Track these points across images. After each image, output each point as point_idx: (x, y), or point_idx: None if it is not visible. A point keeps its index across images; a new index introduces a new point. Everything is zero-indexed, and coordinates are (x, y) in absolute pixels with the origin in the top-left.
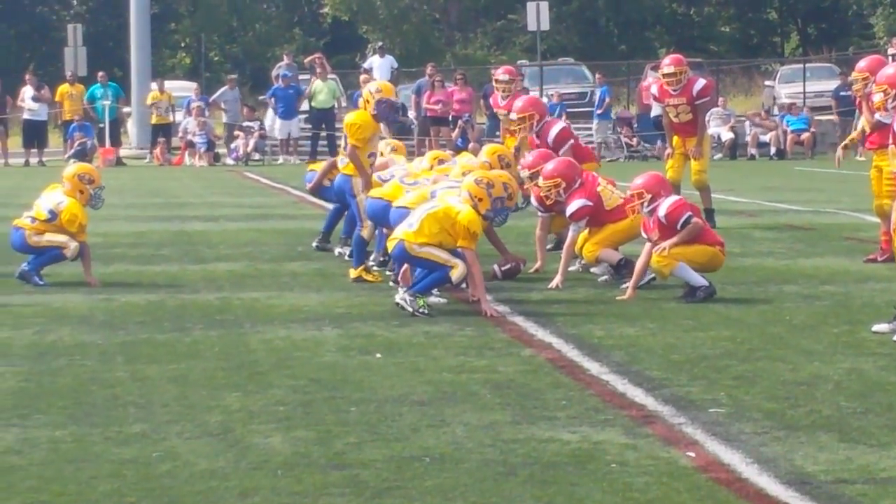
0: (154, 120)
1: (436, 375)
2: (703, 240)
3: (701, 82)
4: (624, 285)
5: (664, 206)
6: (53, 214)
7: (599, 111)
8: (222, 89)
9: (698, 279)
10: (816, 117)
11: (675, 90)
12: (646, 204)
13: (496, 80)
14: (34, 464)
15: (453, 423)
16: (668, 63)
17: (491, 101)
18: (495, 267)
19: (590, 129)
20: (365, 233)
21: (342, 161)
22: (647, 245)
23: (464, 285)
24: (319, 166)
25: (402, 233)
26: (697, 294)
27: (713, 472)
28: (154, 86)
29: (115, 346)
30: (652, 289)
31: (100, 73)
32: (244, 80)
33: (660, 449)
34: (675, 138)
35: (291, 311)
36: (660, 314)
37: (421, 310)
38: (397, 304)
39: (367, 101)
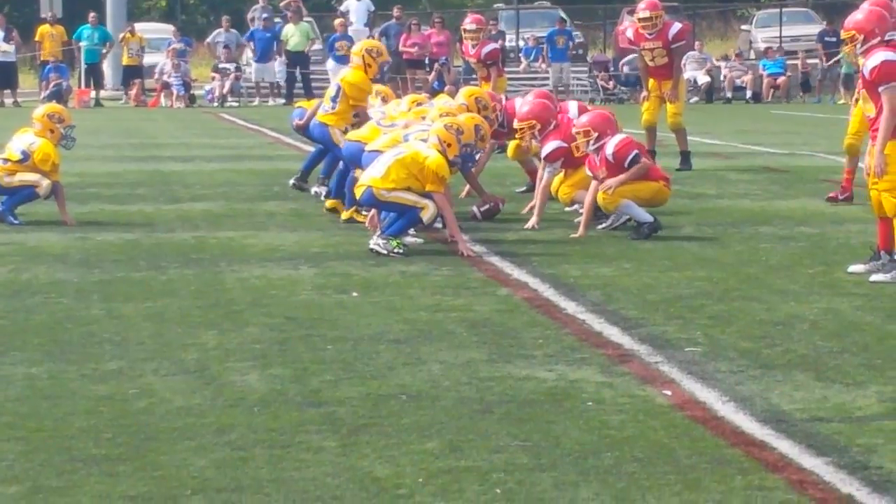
0: (125, 61)
1: (412, 314)
2: (648, 176)
3: (677, 26)
4: (601, 226)
5: (611, 144)
6: (26, 155)
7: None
8: (217, 30)
9: (643, 215)
10: (808, 60)
11: (650, 34)
12: (592, 142)
13: (464, 30)
14: (10, 400)
15: (429, 361)
16: (643, 7)
17: (462, 49)
18: (474, 208)
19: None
20: (359, 173)
21: (323, 109)
22: (594, 182)
23: (438, 224)
24: (310, 104)
25: (370, 179)
26: (642, 230)
27: (689, 410)
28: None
29: (91, 284)
30: (627, 229)
31: (91, 14)
32: (217, 22)
33: (636, 387)
34: (651, 81)
35: (267, 251)
36: (636, 254)
37: (396, 250)
38: (371, 249)
39: (370, 66)
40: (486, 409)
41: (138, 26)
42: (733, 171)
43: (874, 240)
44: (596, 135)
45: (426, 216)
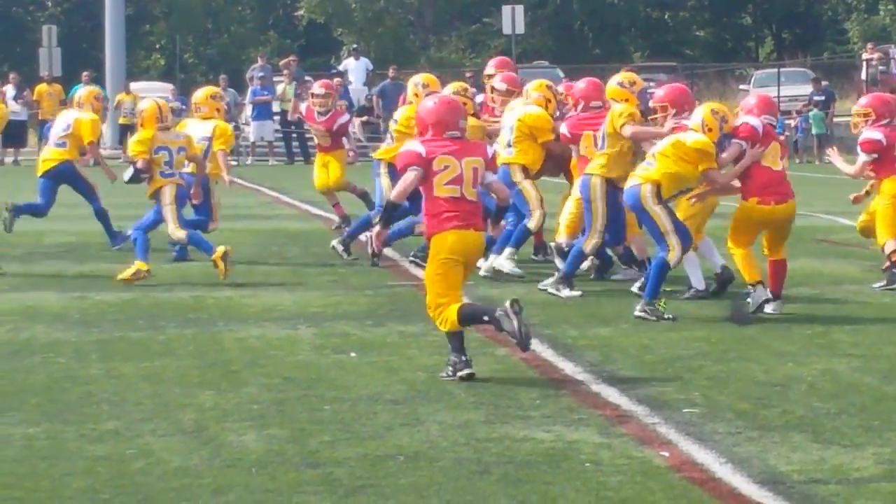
0: (121, 120)
1: (410, 374)
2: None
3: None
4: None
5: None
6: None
7: None
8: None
9: (698, 279)
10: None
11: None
12: (669, 117)
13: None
14: (7, 460)
15: (427, 421)
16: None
17: None
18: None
19: None
20: (534, 223)
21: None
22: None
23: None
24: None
25: (644, 173)
26: (687, 293)
27: (687, 471)
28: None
29: (90, 343)
30: (625, 288)
31: (84, 73)
32: (216, 81)
33: (633, 448)
34: None
35: (265, 310)
36: (633, 315)
37: (666, 316)
38: (638, 316)
39: (416, 95)
40: (483, 471)
41: (139, 85)
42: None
43: (870, 300)
44: (673, 111)
45: (673, 259)
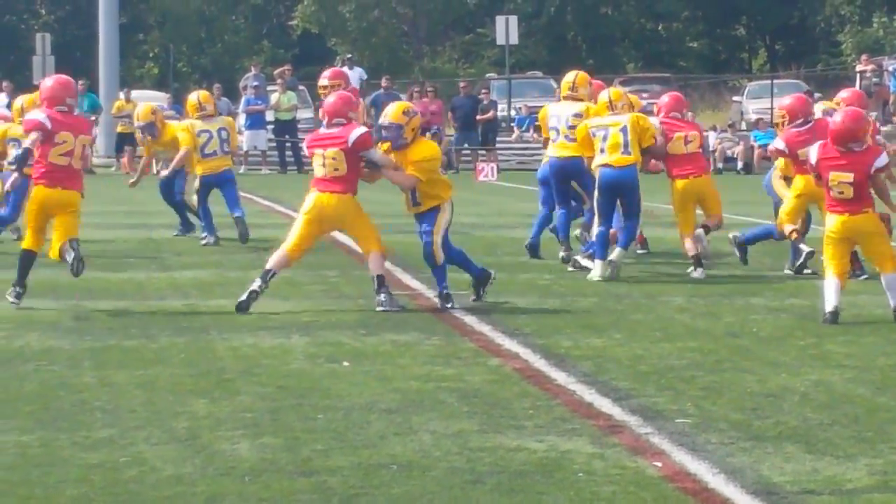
0: (119, 128)
1: (403, 384)
2: None
3: None
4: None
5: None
6: None
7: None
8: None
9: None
10: None
11: None
12: (785, 124)
13: (320, 86)
14: (1, 468)
15: (420, 430)
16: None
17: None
18: None
19: None
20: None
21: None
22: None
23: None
24: None
25: None
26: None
27: (680, 481)
28: (122, 95)
29: (83, 351)
30: (619, 299)
31: (79, 82)
32: (209, 91)
33: (627, 458)
34: None
35: (259, 319)
36: (627, 325)
37: None
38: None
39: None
40: (476, 480)
41: (135, 94)
42: (724, 241)
43: (863, 311)
44: (789, 118)
45: None
